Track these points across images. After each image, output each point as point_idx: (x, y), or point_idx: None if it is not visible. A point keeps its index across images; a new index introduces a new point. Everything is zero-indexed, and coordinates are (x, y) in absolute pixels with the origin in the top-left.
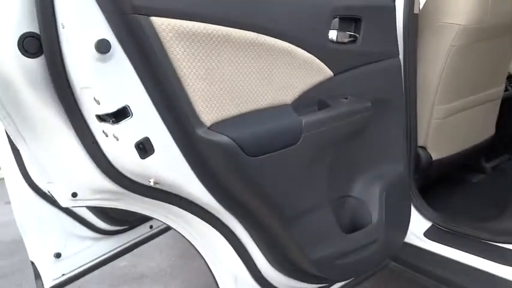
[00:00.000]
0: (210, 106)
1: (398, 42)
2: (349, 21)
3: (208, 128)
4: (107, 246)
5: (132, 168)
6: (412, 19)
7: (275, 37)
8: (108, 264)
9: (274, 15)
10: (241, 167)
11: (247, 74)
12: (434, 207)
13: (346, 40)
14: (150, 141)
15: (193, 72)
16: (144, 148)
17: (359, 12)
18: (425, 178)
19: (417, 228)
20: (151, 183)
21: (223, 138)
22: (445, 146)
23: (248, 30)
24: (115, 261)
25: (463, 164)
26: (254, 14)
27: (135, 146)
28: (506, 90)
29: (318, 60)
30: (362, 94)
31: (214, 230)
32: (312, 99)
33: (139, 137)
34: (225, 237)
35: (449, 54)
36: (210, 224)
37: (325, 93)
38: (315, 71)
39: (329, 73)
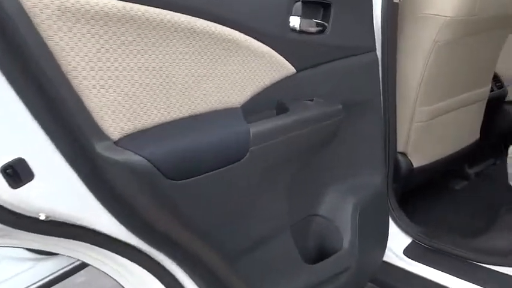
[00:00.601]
0: (118, 112)
1: (376, 35)
2: (316, 6)
3: (115, 143)
4: (51, 266)
5: (6, 199)
6: (392, 9)
7: (218, 23)
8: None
9: None
10: (161, 194)
11: (176, 70)
12: (414, 219)
13: (312, 29)
14: (25, 163)
15: (91, 65)
16: (16, 173)
17: None
18: (405, 187)
19: (396, 246)
20: (43, 218)
21: (133, 158)
22: (427, 152)
23: (178, 12)
24: (71, 277)
25: (446, 170)
26: None
27: (2, 172)
28: (491, 90)
29: (276, 54)
30: (331, 95)
31: (145, 270)
32: (269, 102)
33: (7, 159)
34: (159, 279)
35: (432, 50)
36: (138, 264)
37: (285, 94)
38: (272, 66)
39: (290, 69)
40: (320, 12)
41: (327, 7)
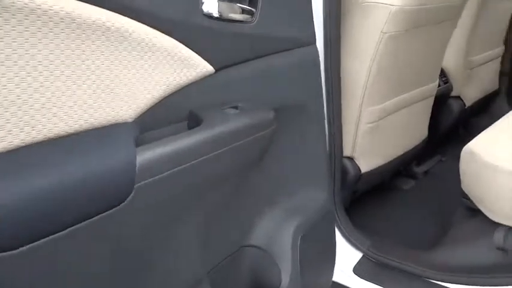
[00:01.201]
0: None
1: (316, 27)
2: None
3: None
4: None
5: None
6: None
7: (91, 3)
8: None
9: None
10: None
11: (19, 70)
12: (363, 229)
13: (234, 16)
14: None
15: None
16: None
17: None
18: (353, 194)
19: (345, 263)
20: None
21: None
22: (376, 155)
23: None
24: None
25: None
26: None
27: None
28: (438, 85)
29: (184, 48)
30: (263, 99)
31: None
32: (178, 112)
33: None
34: None
35: (380, 42)
36: None
37: (200, 100)
38: (179, 65)
39: (206, 68)
40: None
41: None
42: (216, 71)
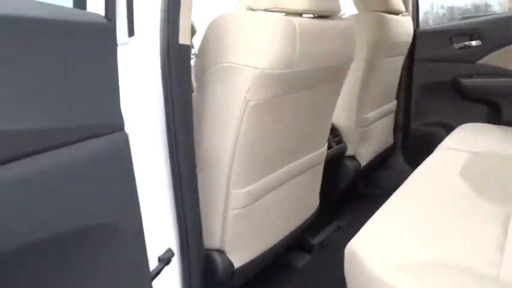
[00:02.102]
0: None
1: (157, 94)
2: None
3: None
4: None
5: None
6: (180, 55)
7: None
8: None
9: None
10: None
11: None
12: None
13: None
14: None
15: None
16: None
17: None
18: None
19: None
20: None
21: None
22: (253, 245)
23: None
24: None
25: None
26: None
27: None
28: (330, 147)
29: None
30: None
31: None
32: None
33: None
34: None
35: (244, 112)
36: None
37: None
38: None
39: None
40: None
41: None
42: None
